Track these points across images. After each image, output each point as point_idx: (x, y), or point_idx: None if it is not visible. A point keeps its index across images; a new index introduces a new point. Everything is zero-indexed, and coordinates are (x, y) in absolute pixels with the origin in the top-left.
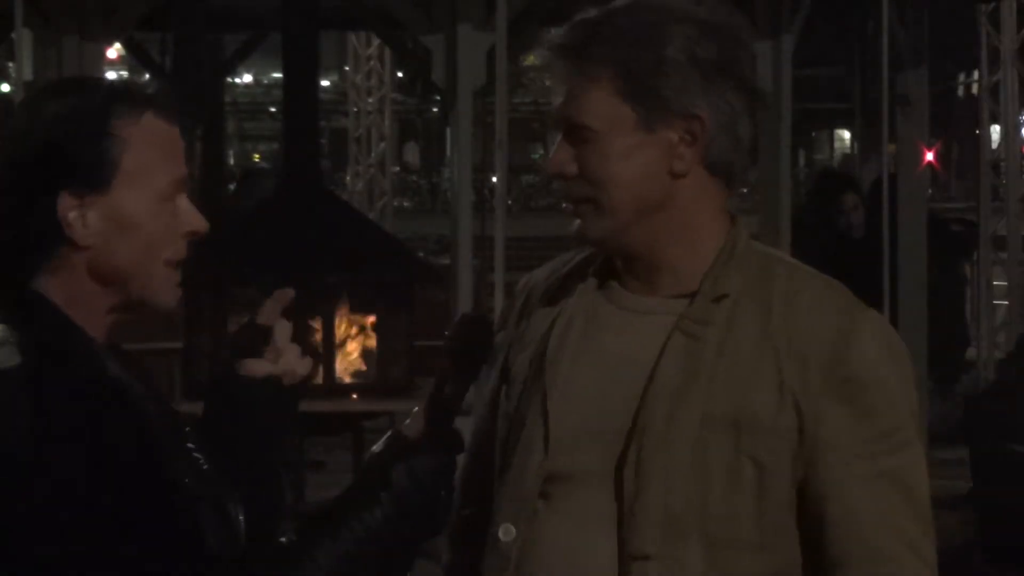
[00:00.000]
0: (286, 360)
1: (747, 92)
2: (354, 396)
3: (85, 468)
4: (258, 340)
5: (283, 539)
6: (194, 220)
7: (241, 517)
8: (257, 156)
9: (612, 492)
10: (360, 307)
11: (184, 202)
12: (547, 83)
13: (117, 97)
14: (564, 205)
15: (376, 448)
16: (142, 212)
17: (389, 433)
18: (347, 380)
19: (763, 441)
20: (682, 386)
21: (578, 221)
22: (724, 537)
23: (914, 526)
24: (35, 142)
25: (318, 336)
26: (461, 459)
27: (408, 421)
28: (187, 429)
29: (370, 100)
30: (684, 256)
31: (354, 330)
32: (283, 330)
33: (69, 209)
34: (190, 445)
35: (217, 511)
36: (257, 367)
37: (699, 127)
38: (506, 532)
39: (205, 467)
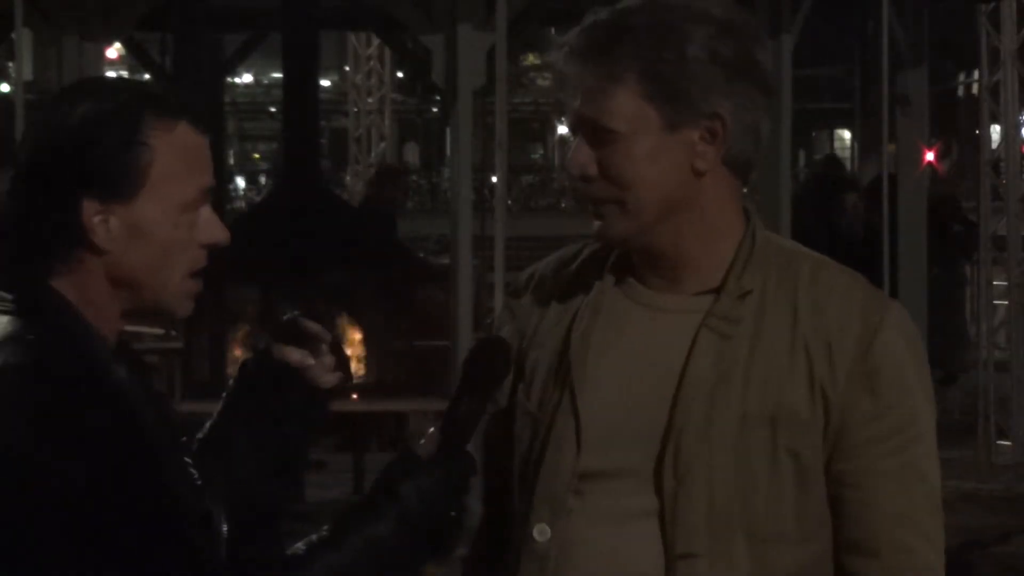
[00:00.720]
0: (323, 361)
1: (765, 90)
2: (354, 396)
3: (81, 471)
4: (299, 337)
5: (285, 546)
6: (216, 231)
7: (224, 527)
8: (257, 156)
9: (650, 491)
10: (360, 307)
11: (207, 212)
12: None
13: (151, 104)
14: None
15: (388, 463)
16: (164, 222)
17: (403, 450)
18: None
19: (801, 436)
20: (717, 385)
21: (598, 222)
22: (768, 532)
23: (930, 518)
24: (65, 144)
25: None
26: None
27: (423, 440)
28: (183, 438)
29: (370, 100)
30: (706, 253)
31: (354, 330)
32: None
33: (93, 214)
34: (186, 459)
35: (204, 525)
36: (292, 354)
37: (720, 126)
38: (541, 532)
39: (198, 480)
